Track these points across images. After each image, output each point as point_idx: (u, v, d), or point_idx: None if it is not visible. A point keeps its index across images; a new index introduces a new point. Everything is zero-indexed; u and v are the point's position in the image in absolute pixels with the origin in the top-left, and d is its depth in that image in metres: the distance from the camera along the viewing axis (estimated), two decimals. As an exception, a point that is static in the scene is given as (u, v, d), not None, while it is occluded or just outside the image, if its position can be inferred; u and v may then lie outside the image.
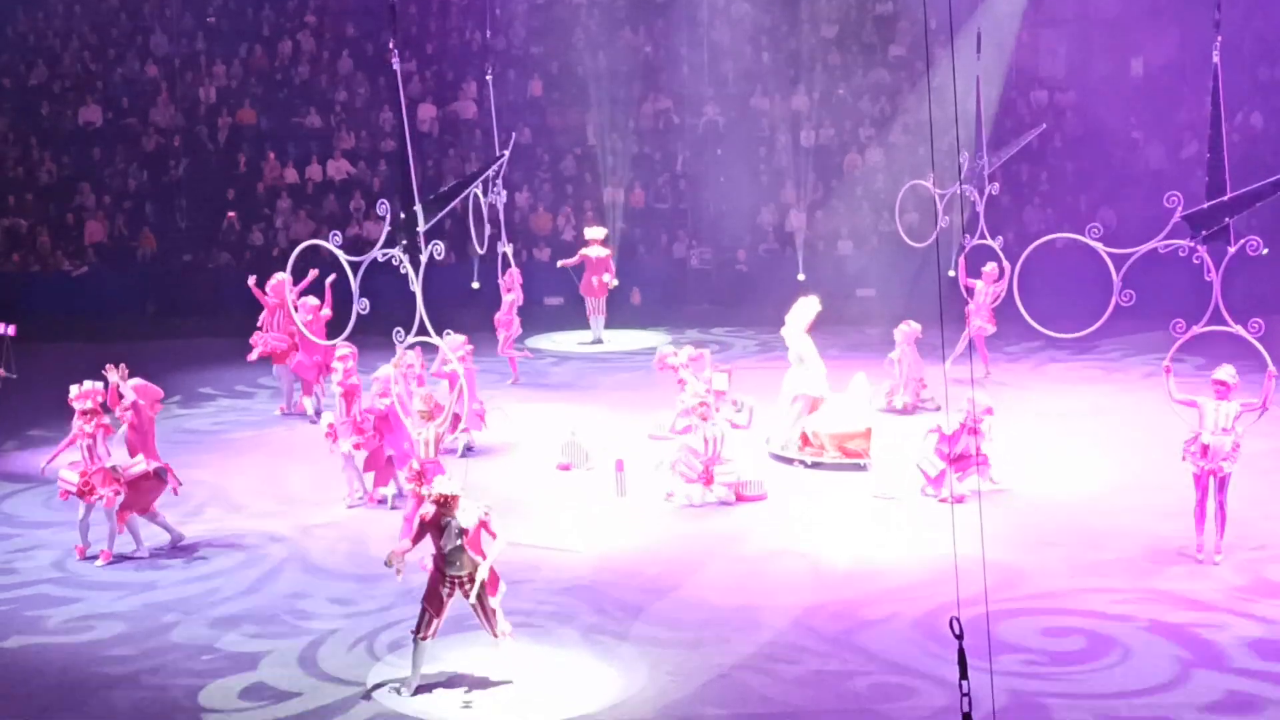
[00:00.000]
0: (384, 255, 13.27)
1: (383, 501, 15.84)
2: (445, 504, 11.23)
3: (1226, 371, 13.58)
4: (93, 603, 13.42)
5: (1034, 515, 15.24)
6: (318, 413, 18.93)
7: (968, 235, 20.90)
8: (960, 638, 7.13)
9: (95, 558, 14.35)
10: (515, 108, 30.32)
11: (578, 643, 12.30)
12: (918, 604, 12.84)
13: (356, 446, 15.74)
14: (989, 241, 20.51)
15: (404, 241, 12.95)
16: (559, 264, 24.12)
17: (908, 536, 14.65)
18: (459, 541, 11.21)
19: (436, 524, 11.28)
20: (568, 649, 12.13)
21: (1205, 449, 13.43)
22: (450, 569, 11.28)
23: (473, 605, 11.33)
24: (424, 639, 11.34)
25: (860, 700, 11.16)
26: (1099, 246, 13.68)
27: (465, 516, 11.27)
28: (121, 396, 14.59)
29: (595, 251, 24.09)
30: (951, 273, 21.15)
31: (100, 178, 30.25)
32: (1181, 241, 13.56)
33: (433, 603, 11.31)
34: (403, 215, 13.00)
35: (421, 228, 12.89)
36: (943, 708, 10.85)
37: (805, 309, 17.91)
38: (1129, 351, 22.75)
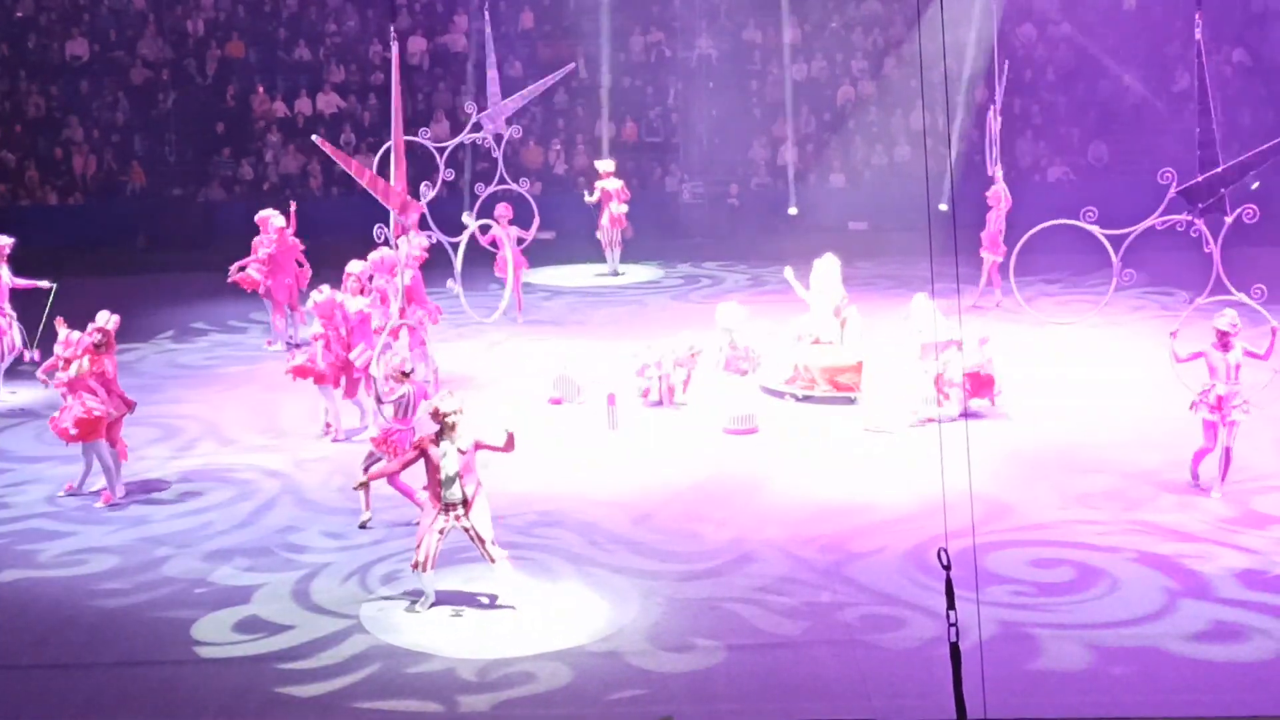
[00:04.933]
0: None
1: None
2: (445, 424, 11.23)
3: (1227, 320, 13.56)
4: (85, 537, 13.46)
5: (1022, 447, 15.30)
6: (290, 342, 19.24)
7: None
8: (948, 568, 7.19)
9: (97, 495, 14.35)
10: (507, 40, 30.10)
11: (570, 575, 12.37)
12: (907, 536, 12.91)
13: (297, 372, 15.76)
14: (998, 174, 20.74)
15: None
16: (587, 199, 24.09)
17: (897, 469, 14.71)
18: (457, 468, 11.24)
19: (434, 446, 11.27)
20: (559, 581, 12.20)
21: (1220, 400, 13.47)
22: (447, 494, 11.32)
23: (466, 530, 11.39)
24: (422, 572, 11.41)
25: (850, 631, 11.24)
26: (1096, 230, 13.67)
27: (461, 439, 11.29)
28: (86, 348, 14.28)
29: (610, 184, 24.12)
30: (943, 206, 21.15)
31: (88, 111, 30.08)
32: (1180, 216, 13.62)
33: (429, 533, 11.37)
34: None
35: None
36: (931, 638, 10.93)
37: (827, 269, 17.90)
38: (1118, 285, 22.75)
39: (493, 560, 11.47)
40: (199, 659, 11.09)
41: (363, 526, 13.38)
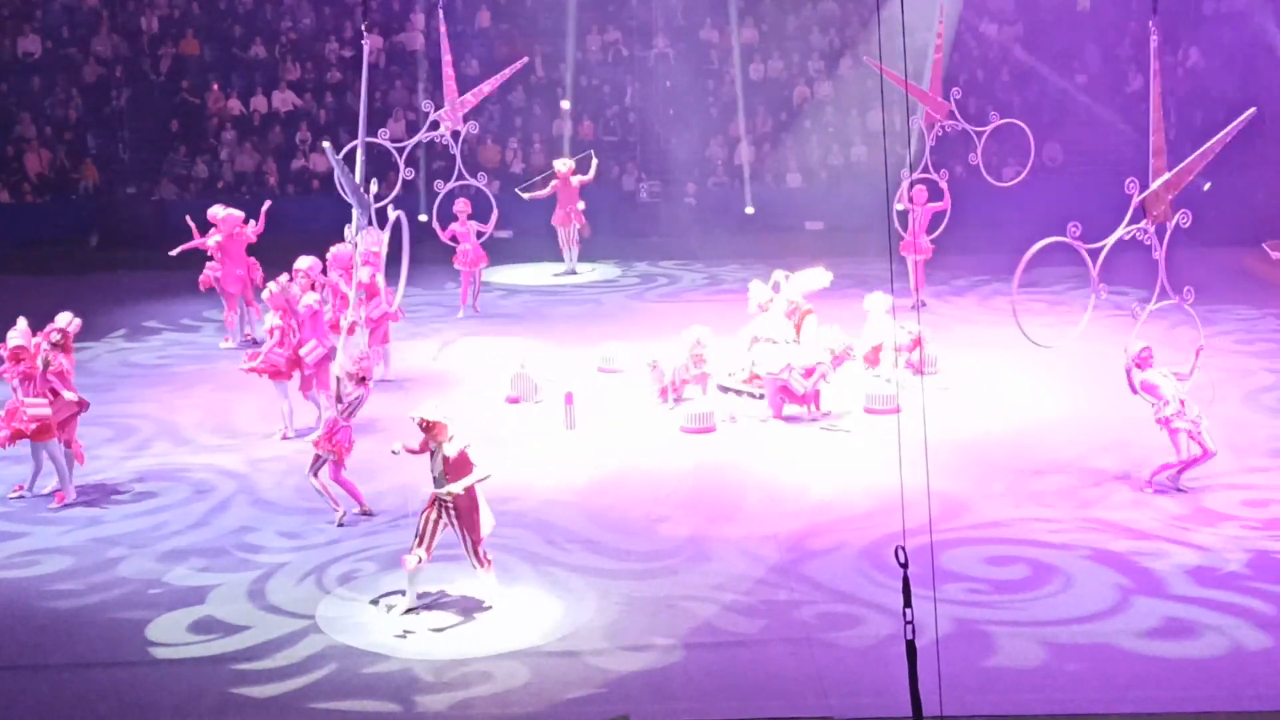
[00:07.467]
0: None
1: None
2: (429, 429, 11.33)
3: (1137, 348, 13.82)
4: (38, 538, 13.36)
5: (978, 446, 15.38)
6: (247, 338, 19.23)
7: (910, 168, 21.43)
8: (905, 566, 7.22)
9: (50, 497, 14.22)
10: (463, 38, 30.00)
11: (527, 574, 12.36)
12: (864, 534, 12.96)
13: (257, 371, 15.69)
14: (934, 176, 20.80)
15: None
16: (527, 195, 24.09)
17: (854, 467, 14.76)
18: (442, 469, 11.29)
19: (425, 450, 11.43)
20: (517, 581, 12.19)
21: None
22: (438, 493, 11.36)
23: (454, 529, 11.43)
24: (415, 562, 11.41)
25: (807, 629, 11.28)
26: (1079, 245, 13.76)
27: (450, 446, 11.34)
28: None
29: (565, 173, 24.19)
30: (900, 206, 21.24)
31: (40, 108, 29.81)
32: (1138, 225, 13.79)
33: (423, 524, 11.42)
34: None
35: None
36: (888, 636, 10.98)
37: (814, 279, 17.91)
38: (1073, 285, 22.90)
39: (476, 565, 11.50)
40: (154, 660, 11.03)
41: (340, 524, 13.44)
